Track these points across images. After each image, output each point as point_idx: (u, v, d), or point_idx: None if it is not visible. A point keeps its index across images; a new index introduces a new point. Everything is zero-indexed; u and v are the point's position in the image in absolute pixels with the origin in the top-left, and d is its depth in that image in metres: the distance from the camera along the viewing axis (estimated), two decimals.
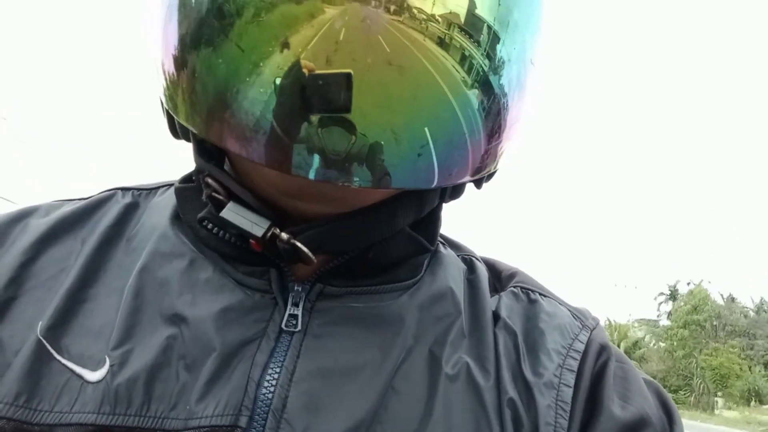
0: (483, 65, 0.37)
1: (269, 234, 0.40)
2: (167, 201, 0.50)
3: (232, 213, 0.41)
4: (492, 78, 0.38)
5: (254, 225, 0.40)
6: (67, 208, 0.49)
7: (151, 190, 0.52)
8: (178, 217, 0.48)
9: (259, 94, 0.35)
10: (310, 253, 0.40)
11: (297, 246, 0.40)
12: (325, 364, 0.41)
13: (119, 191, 0.52)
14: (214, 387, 0.39)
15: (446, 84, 0.36)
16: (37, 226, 0.47)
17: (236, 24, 0.35)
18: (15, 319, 0.42)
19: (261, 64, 0.34)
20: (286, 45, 0.34)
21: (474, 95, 0.37)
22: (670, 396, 0.47)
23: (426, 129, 0.36)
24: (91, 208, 0.50)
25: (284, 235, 0.40)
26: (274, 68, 0.34)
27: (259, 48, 0.34)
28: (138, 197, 0.51)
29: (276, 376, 0.40)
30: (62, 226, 0.47)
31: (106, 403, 0.38)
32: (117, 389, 0.39)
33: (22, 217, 0.48)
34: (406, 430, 0.40)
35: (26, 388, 0.39)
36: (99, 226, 0.48)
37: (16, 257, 0.45)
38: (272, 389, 0.39)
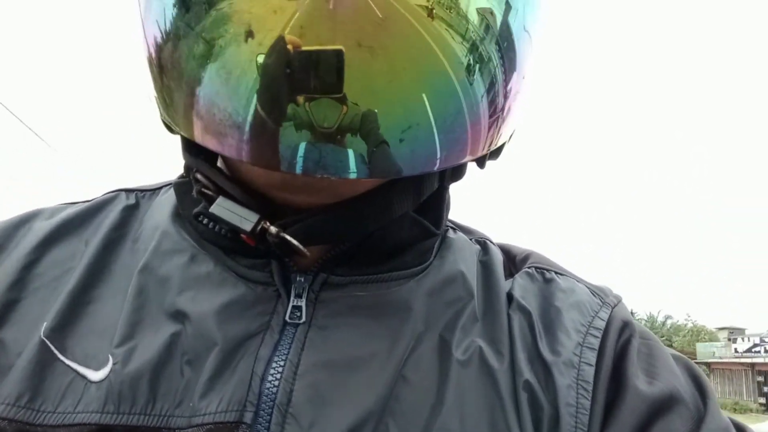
0: (480, 34, 0.35)
1: (259, 228, 0.39)
2: (169, 199, 0.49)
3: (221, 208, 0.40)
4: (489, 48, 0.35)
5: (243, 220, 0.39)
6: (71, 210, 0.49)
7: (154, 191, 0.52)
8: (178, 214, 0.47)
9: (232, 87, 0.33)
10: (301, 246, 0.39)
11: (287, 239, 0.39)
12: (330, 356, 0.39)
13: (123, 192, 0.52)
14: (218, 383, 0.38)
15: (444, 56, 0.33)
16: (40, 229, 0.47)
17: (204, 14, 0.33)
18: (19, 321, 0.42)
19: (230, 54, 0.33)
20: (251, 34, 0.32)
21: (472, 67, 0.35)
22: (702, 371, 0.43)
23: (420, 113, 0.34)
24: (95, 209, 0.49)
25: (273, 229, 0.39)
26: (251, 59, 0.32)
27: (228, 41, 0.33)
28: (141, 198, 0.51)
29: (280, 369, 0.38)
30: (66, 227, 0.47)
31: (110, 401, 0.37)
32: (121, 387, 0.38)
33: (27, 220, 0.49)
34: (418, 419, 0.38)
35: (29, 389, 0.38)
36: (102, 228, 0.47)
37: (20, 260, 0.45)
38: (276, 383, 0.38)
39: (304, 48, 0.31)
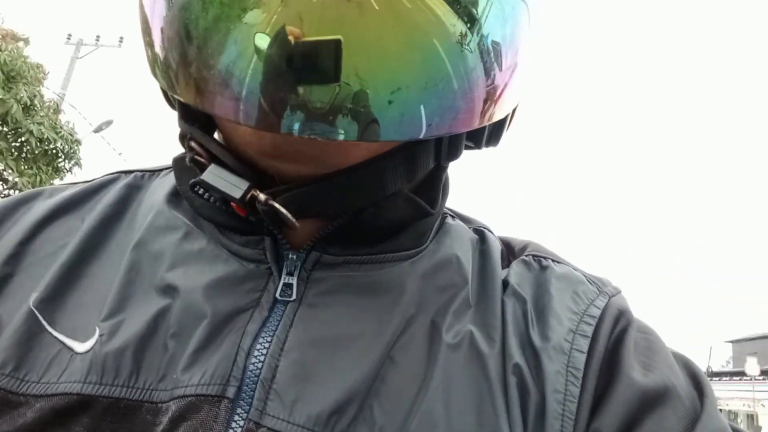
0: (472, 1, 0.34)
1: (248, 196, 0.38)
2: (168, 181, 0.50)
3: (212, 175, 0.39)
4: (480, 15, 0.34)
5: (233, 187, 0.38)
6: (71, 190, 0.50)
7: (155, 172, 0.52)
8: (176, 195, 0.47)
9: (228, 50, 0.33)
10: (289, 215, 0.38)
11: (276, 207, 0.38)
12: (318, 333, 0.39)
13: (122, 174, 0.52)
14: (202, 356, 0.37)
15: (434, 20, 0.33)
16: (40, 207, 0.48)
17: None
18: (12, 295, 0.42)
19: (232, 19, 0.32)
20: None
21: (461, 34, 0.34)
22: (702, 372, 0.42)
23: (409, 74, 0.33)
24: (94, 189, 0.50)
25: (262, 197, 0.38)
26: (245, 24, 0.32)
27: (231, 3, 0.32)
28: (141, 179, 0.51)
29: (267, 345, 0.38)
30: (64, 206, 0.48)
31: (93, 372, 0.37)
32: (105, 359, 0.37)
33: (28, 199, 0.49)
34: (403, 402, 0.37)
35: (14, 357, 0.38)
36: (100, 206, 0.48)
37: (17, 236, 0.45)
38: (262, 359, 0.37)
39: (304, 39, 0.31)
